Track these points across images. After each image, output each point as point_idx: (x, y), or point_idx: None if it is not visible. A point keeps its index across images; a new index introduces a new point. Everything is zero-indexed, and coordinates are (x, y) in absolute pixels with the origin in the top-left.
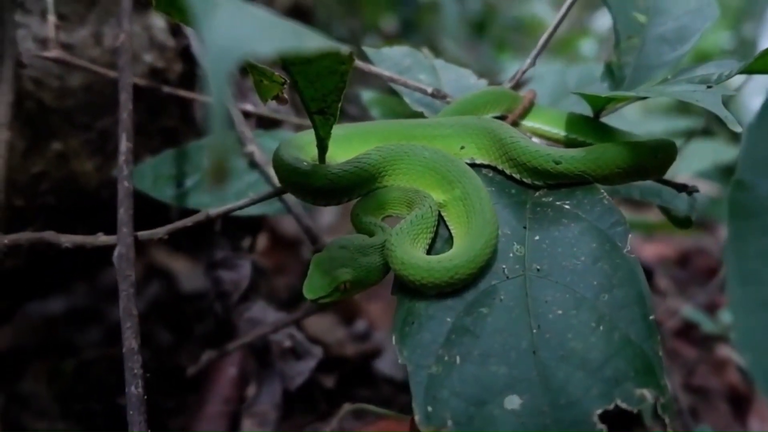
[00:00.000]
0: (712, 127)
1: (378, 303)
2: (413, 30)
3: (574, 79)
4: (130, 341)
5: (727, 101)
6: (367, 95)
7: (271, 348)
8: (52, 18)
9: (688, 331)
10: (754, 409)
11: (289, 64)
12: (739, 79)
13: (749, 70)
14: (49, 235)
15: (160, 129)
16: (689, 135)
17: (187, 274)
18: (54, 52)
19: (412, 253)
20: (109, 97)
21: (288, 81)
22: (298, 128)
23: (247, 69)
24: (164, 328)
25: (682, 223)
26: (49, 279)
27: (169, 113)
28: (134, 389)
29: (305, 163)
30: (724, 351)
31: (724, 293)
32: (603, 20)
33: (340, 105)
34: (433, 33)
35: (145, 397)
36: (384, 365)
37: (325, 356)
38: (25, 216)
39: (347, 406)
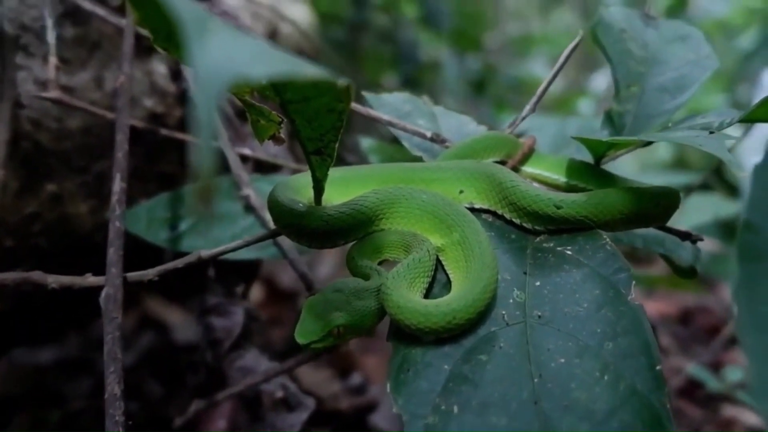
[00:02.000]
0: (710, 182)
1: (374, 356)
2: (414, 87)
3: (573, 130)
4: (113, 386)
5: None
6: (366, 142)
7: (262, 398)
8: (53, 59)
9: (692, 390)
10: None
11: (286, 102)
12: (736, 135)
13: (750, 119)
14: (36, 275)
15: (158, 174)
16: (688, 190)
17: (181, 325)
18: (53, 93)
19: (408, 297)
20: (107, 141)
21: (285, 120)
22: (296, 173)
23: (245, 110)
24: (155, 379)
25: (687, 273)
26: (40, 327)
27: (167, 158)
28: None
29: (301, 205)
30: (730, 411)
31: (727, 351)
32: (600, 81)
33: (337, 145)
34: (434, 91)
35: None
36: (379, 419)
37: (319, 409)
38: (15, 257)
39: None
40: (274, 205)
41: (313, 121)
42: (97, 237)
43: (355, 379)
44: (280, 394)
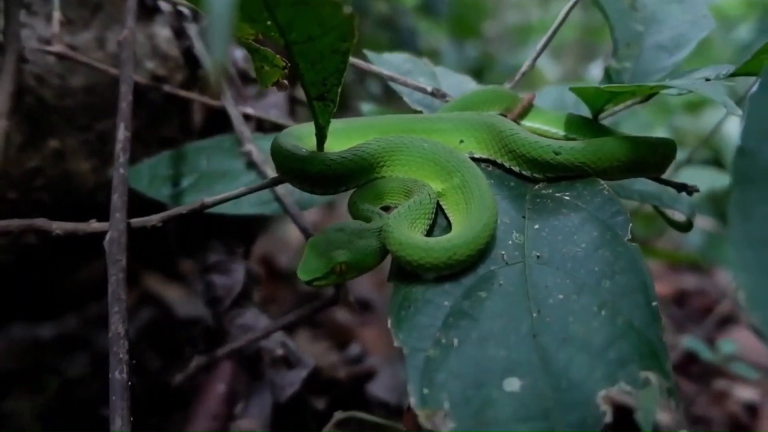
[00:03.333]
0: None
1: (372, 329)
2: None
3: (573, 98)
4: (117, 326)
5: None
6: (366, 107)
7: (262, 356)
8: (57, 14)
9: (686, 365)
10: None
11: (291, 43)
12: (721, 113)
13: (745, 71)
14: (40, 222)
15: (159, 138)
16: (679, 165)
17: (179, 301)
18: (58, 47)
19: (409, 235)
20: (110, 100)
21: (288, 65)
22: None
23: (246, 73)
24: (155, 353)
25: (683, 227)
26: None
27: (168, 123)
28: (118, 374)
29: (303, 150)
30: (723, 385)
31: (720, 330)
32: (597, 71)
33: (339, 90)
34: None
35: (129, 383)
36: (377, 389)
37: (316, 378)
38: (18, 210)
39: (338, 414)
40: (276, 150)
41: (316, 63)
42: (99, 196)
43: (353, 349)
44: (280, 351)
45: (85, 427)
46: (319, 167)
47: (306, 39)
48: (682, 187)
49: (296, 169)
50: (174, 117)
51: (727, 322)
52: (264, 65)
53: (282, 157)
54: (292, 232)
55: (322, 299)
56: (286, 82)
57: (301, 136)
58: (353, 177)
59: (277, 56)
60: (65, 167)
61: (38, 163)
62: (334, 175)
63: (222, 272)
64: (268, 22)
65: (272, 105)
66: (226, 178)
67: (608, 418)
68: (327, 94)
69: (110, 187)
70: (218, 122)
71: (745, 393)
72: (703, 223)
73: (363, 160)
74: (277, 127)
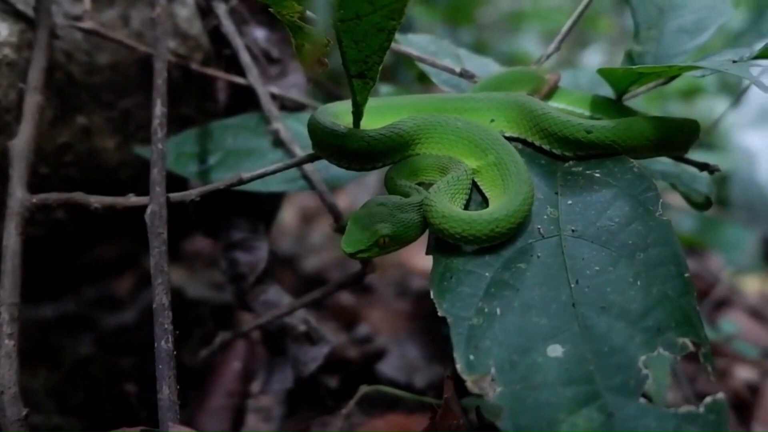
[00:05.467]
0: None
1: (378, 310)
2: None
3: (586, 79)
4: (161, 296)
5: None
6: (385, 89)
7: (286, 332)
8: None
9: None
10: (757, 416)
11: (337, 20)
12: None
13: (764, 55)
14: (78, 196)
15: (177, 117)
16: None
17: (185, 283)
18: (89, 24)
19: (452, 208)
20: (133, 78)
21: (330, 42)
22: None
23: (269, 53)
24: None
25: (702, 205)
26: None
27: (187, 102)
28: (164, 344)
29: (342, 127)
30: (723, 364)
31: (716, 313)
32: (592, 57)
33: (380, 68)
34: None
35: (174, 352)
36: (387, 368)
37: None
38: (49, 185)
39: (364, 387)
40: (315, 128)
41: (360, 41)
42: (122, 174)
43: (362, 330)
44: (302, 328)
45: (97, 405)
46: (359, 144)
47: (353, 16)
48: (704, 167)
49: (336, 145)
50: (192, 96)
51: (722, 305)
52: (305, 43)
53: (321, 134)
54: (287, 217)
55: (347, 275)
56: (326, 60)
57: (337, 113)
58: (390, 154)
59: (322, 34)
60: (92, 144)
61: (68, 138)
62: (372, 152)
63: (246, 249)
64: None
65: (292, 84)
66: (252, 156)
67: (651, 381)
68: (367, 72)
69: (133, 164)
70: (242, 101)
71: (744, 372)
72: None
73: (400, 137)
74: (298, 107)
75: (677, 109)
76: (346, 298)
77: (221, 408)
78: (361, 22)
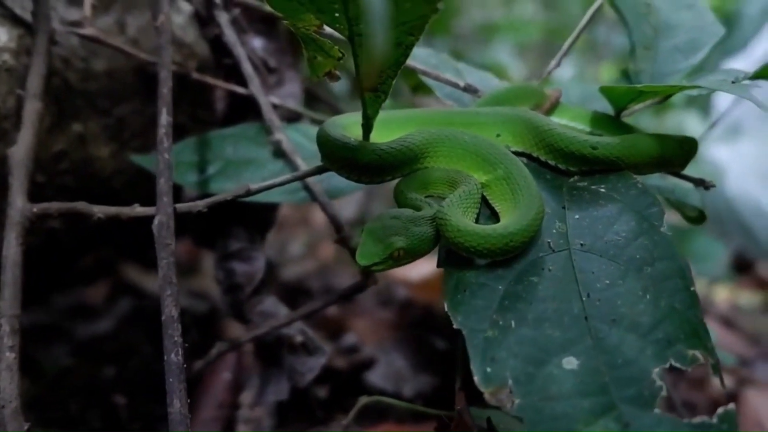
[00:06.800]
0: None
1: (363, 319)
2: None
3: (576, 94)
4: (170, 309)
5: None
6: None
7: (282, 342)
8: None
9: None
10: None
11: (356, 35)
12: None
13: (761, 75)
14: (81, 206)
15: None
16: None
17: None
18: (89, 30)
19: (466, 222)
20: (129, 85)
21: (344, 56)
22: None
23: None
24: (146, 340)
25: (696, 219)
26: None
27: (180, 110)
28: (174, 357)
29: (353, 140)
30: (700, 371)
31: None
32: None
33: (393, 83)
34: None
35: (185, 366)
36: (375, 378)
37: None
38: (44, 194)
39: (363, 399)
40: (325, 140)
41: (376, 56)
42: (116, 182)
43: (348, 339)
44: (299, 338)
45: (82, 417)
46: (370, 157)
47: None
48: (699, 182)
49: (346, 158)
50: (186, 104)
51: None
52: (318, 55)
53: (332, 147)
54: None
55: (349, 286)
56: (338, 72)
57: (345, 125)
58: (399, 167)
59: (335, 47)
60: (87, 151)
61: (64, 146)
62: (382, 165)
63: (243, 260)
64: (336, 14)
65: (289, 94)
66: (253, 166)
67: (664, 392)
68: (381, 86)
69: (127, 172)
70: (240, 110)
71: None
72: (669, 217)
73: (410, 151)
74: (294, 117)
75: (649, 124)
76: (330, 307)
77: (212, 419)
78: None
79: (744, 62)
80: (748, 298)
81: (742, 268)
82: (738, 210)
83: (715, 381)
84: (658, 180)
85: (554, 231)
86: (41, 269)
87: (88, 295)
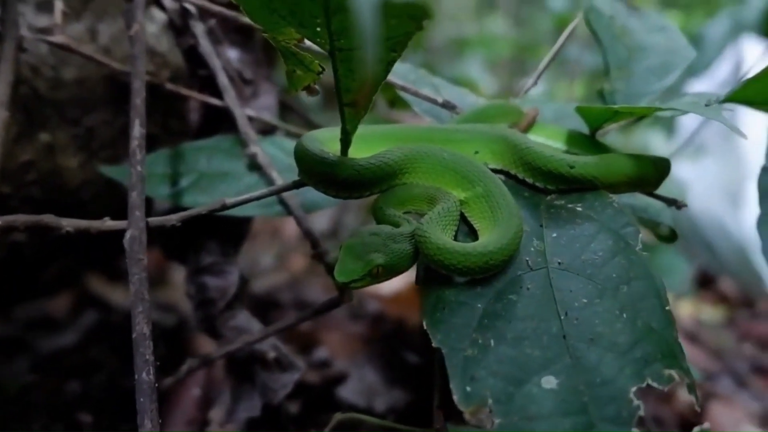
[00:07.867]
0: None
1: (336, 332)
2: None
3: (550, 113)
4: (142, 326)
5: None
6: None
7: (255, 358)
8: (59, 3)
9: None
10: None
11: (336, 50)
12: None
13: (733, 99)
14: (49, 218)
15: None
16: None
17: (125, 303)
18: (59, 38)
19: (446, 240)
20: (99, 95)
21: (324, 70)
22: (294, 135)
23: (242, 73)
24: (111, 354)
25: (668, 238)
26: None
27: (151, 120)
28: (145, 376)
29: (331, 155)
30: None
31: None
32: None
33: (374, 98)
34: None
35: (156, 385)
36: (347, 393)
37: None
38: (10, 205)
39: (338, 416)
40: (303, 155)
41: (356, 71)
42: (84, 194)
43: (320, 353)
44: (272, 354)
45: None
46: (348, 172)
47: (354, 47)
48: (672, 202)
49: (324, 173)
50: (158, 115)
51: None
52: (297, 69)
53: (310, 162)
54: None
55: (324, 302)
56: (317, 87)
57: (322, 140)
58: (378, 183)
59: (315, 61)
60: (55, 162)
61: (31, 156)
62: (361, 181)
63: (216, 274)
64: (318, 29)
65: (264, 107)
66: (228, 179)
67: (641, 412)
68: (360, 101)
69: (96, 183)
70: (214, 122)
71: (687, 395)
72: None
73: (389, 167)
74: (268, 129)
75: (616, 141)
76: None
77: None
78: (361, 53)
79: (707, 83)
80: (710, 312)
81: (704, 283)
82: (701, 227)
83: (683, 396)
84: (630, 199)
85: (532, 249)
86: (2, 282)
87: (50, 306)
